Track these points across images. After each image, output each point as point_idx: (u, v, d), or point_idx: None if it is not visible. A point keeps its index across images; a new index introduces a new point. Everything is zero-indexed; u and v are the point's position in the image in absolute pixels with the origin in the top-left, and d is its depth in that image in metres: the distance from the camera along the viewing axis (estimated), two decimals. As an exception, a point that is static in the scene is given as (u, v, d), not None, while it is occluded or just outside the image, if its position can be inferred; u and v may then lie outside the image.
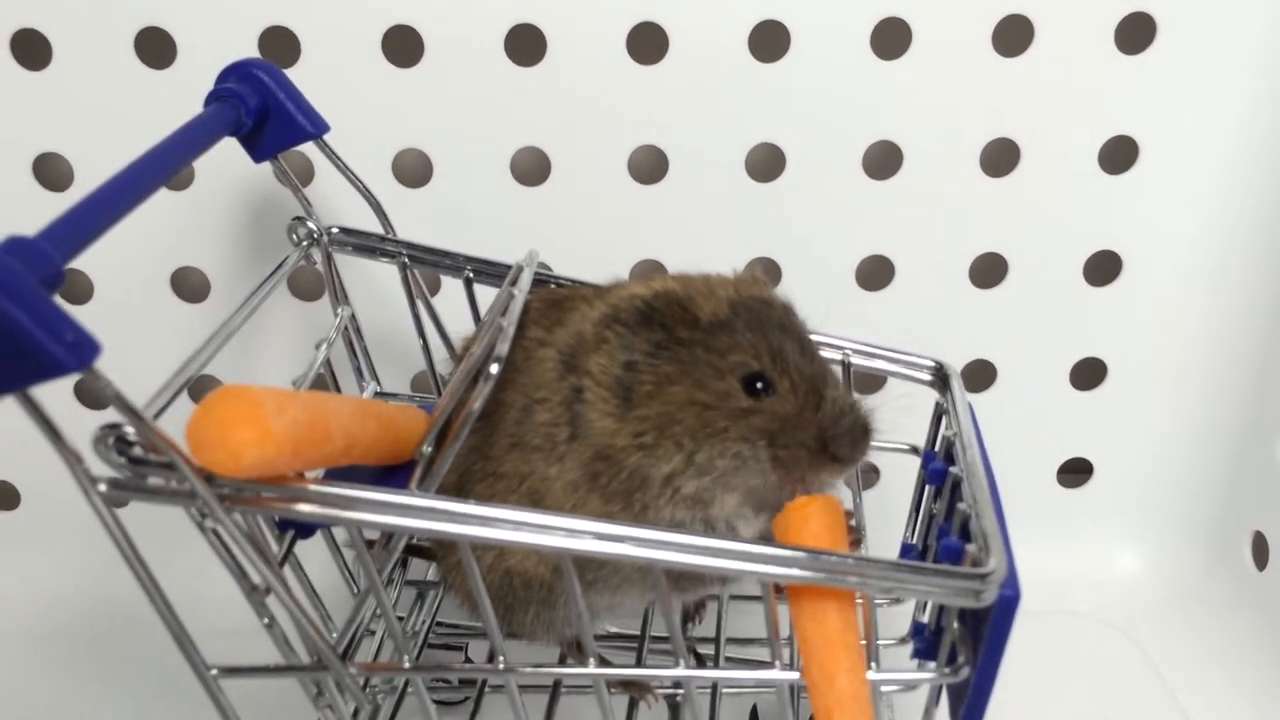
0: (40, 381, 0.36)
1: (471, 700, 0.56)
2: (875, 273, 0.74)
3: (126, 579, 0.74)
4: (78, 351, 0.35)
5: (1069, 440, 0.78)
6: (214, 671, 0.44)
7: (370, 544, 0.44)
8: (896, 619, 0.57)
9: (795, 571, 0.40)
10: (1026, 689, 0.66)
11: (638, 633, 0.56)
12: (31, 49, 0.67)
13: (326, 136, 0.57)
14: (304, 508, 0.39)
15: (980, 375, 0.76)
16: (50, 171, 0.70)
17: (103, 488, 0.39)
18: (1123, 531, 0.79)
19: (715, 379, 0.45)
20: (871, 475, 0.78)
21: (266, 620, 0.44)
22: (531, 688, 0.50)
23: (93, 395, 0.74)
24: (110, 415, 0.39)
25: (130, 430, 0.39)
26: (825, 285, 0.73)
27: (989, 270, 0.74)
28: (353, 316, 0.60)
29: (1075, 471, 0.79)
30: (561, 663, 0.53)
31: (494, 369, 0.43)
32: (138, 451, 0.39)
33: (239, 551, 0.42)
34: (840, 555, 0.41)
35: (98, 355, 0.36)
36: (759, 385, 0.45)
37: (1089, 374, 0.77)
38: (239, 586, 0.43)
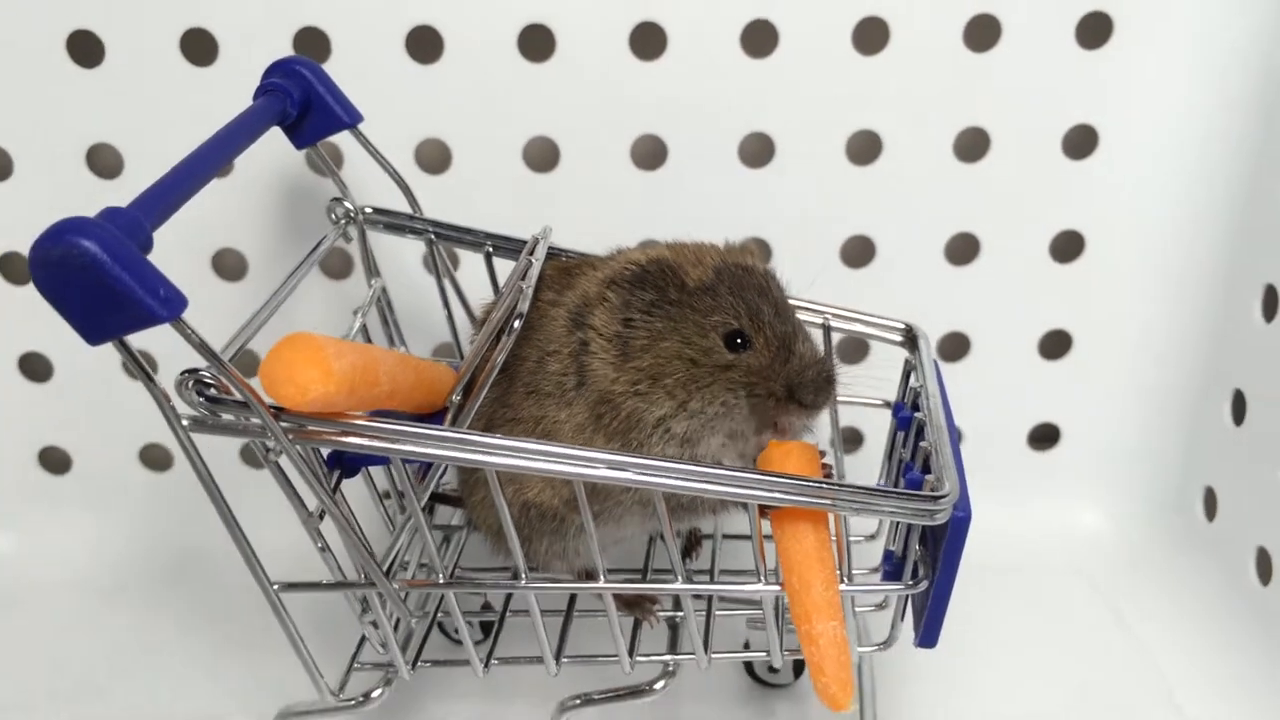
0: (137, 330, 0.42)
1: (489, 641, 0.63)
2: (858, 251, 0.78)
3: (163, 537, 0.82)
4: (169, 304, 0.41)
5: (1038, 407, 0.83)
6: (276, 586, 0.50)
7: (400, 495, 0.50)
8: (871, 558, 0.63)
9: (777, 495, 0.46)
10: (1001, 635, 0.73)
11: (641, 566, 0.62)
12: (85, 48, 0.72)
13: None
14: (358, 441, 0.45)
15: (955, 346, 0.81)
16: (101, 160, 0.74)
17: (185, 423, 0.45)
18: (1088, 490, 0.83)
19: (700, 336, 0.51)
20: (854, 444, 0.83)
21: (321, 545, 0.50)
22: (547, 613, 0.56)
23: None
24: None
25: (207, 374, 0.45)
26: (812, 262, 0.77)
27: (962, 249, 0.78)
28: (384, 289, 0.66)
29: (1045, 436, 0.83)
30: (572, 597, 0.60)
31: (516, 324, 0.50)
32: (213, 392, 0.45)
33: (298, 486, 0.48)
34: (815, 480, 0.47)
35: (185, 308, 0.42)
36: (738, 341, 0.51)
37: (1056, 345, 0.81)
38: (297, 514, 0.49)
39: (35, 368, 0.80)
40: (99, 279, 0.40)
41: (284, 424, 0.45)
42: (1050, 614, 0.76)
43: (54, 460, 0.82)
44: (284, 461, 0.47)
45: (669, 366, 0.51)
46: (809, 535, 0.48)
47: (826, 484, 0.47)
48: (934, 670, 0.70)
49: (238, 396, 0.44)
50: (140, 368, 0.44)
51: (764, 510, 0.49)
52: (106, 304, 0.41)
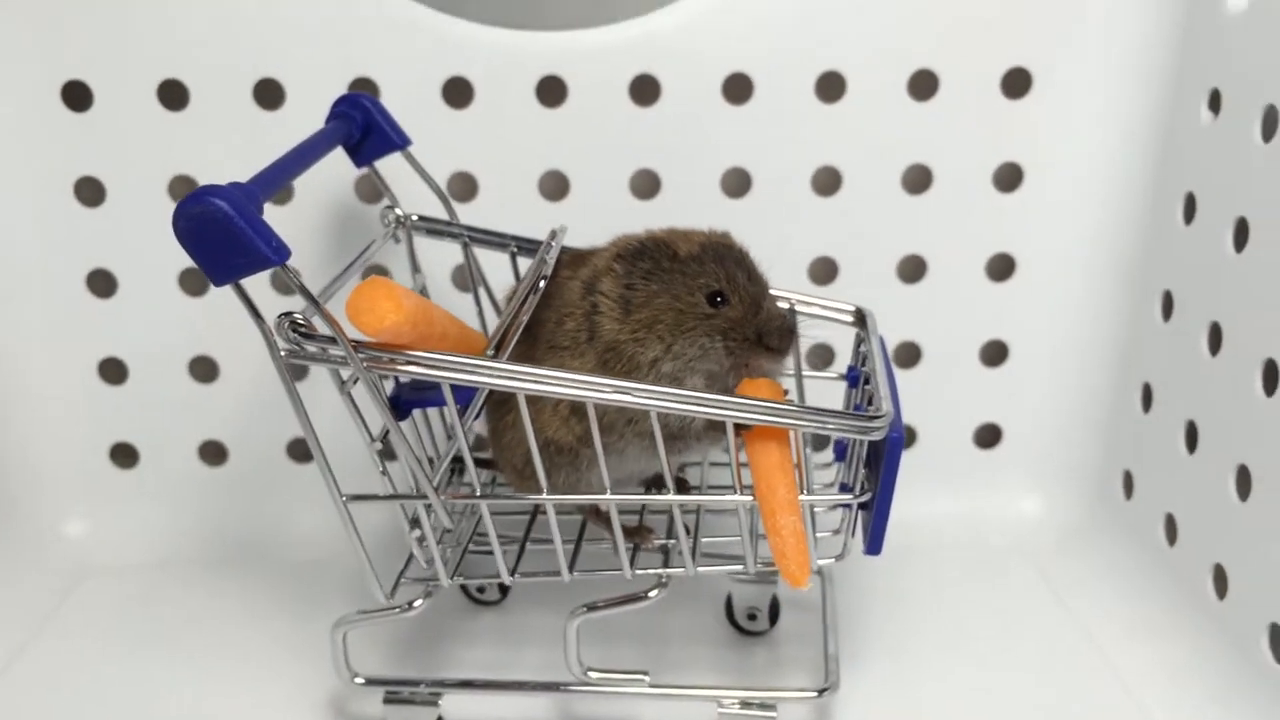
0: (254, 272, 0.53)
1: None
2: (823, 270, 0.89)
3: (218, 524, 0.95)
4: (279, 252, 0.53)
5: (982, 410, 0.93)
6: (345, 498, 0.61)
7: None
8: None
9: (748, 414, 0.58)
10: (952, 604, 0.84)
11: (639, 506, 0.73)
12: (172, 94, 0.83)
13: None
14: (417, 369, 0.56)
15: (908, 355, 0.92)
16: (180, 190, 0.85)
17: (282, 354, 0.57)
18: (1026, 480, 0.93)
19: (688, 294, 0.63)
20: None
21: (381, 469, 0.61)
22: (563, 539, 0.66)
23: (203, 370, 0.92)
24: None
25: (299, 316, 0.56)
26: (784, 279, 0.86)
27: (912, 269, 0.89)
28: (424, 284, 0.78)
29: (988, 434, 0.94)
30: (583, 527, 0.71)
31: (541, 284, 0.62)
32: (304, 330, 0.56)
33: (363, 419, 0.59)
34: (780, 403, 0.59)
35: (290, 256, 0.54)
36: (718, 299, 0.63)
37: (995, 354, 0.91)
38: (362, 438, 0.60)
39: (112, 372, 0.91)
40: (227, 229, 0.52)
41: (360, 355, 0.57)
42: (993, 586, 0.87)
43: (123, 455, 0.93)
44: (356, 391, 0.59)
45: (661, 317, 0.63)
46: (775, 450, 0.60)
47: (788, 406, 0.58)
48: (894, 618, 0.82)
49: (324, 332, 0.56)
50: (252, 309, 0.55)
51: (739, 433, 0.61)
52: (231, 250, 0.52)
